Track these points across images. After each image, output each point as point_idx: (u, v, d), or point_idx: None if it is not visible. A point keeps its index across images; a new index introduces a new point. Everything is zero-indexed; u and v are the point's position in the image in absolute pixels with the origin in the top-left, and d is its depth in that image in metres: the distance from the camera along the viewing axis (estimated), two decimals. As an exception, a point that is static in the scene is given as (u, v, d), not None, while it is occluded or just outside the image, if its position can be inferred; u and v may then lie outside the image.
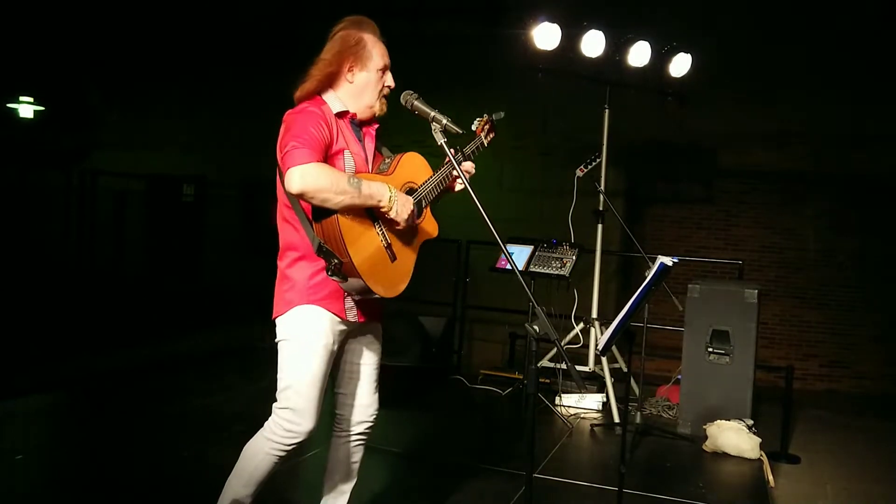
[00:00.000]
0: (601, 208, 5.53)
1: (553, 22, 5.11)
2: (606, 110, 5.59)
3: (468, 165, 2.59)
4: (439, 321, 6.00)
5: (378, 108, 2.47)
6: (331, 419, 2.62)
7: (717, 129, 7.39)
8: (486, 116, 2.69)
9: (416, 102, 2.34)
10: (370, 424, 2.62)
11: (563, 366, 5.24)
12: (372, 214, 2.30)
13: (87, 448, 3.97)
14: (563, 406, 5.23)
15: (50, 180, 9.39)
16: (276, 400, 2.37)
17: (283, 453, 2.36)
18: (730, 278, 6.82)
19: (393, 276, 2.35)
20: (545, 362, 5.44)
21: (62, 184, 9.22)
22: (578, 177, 5.17)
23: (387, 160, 2.47)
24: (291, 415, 2.32)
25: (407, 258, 2.42)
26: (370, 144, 2.48)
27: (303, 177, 2.10)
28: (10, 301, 7.17)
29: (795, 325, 7.52)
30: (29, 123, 10.18)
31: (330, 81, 2.39)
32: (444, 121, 2.31)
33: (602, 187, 5.41)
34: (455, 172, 2.51)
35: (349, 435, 2.61)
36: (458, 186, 2.58)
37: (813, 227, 7.41)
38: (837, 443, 5.05)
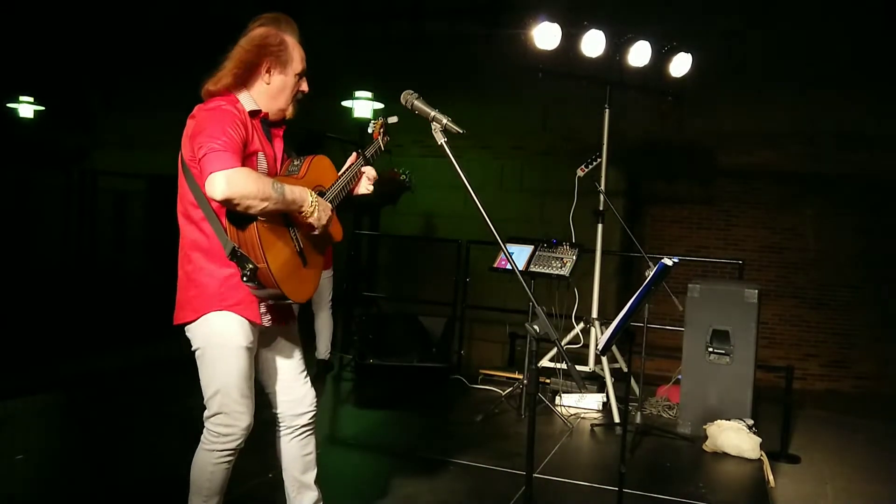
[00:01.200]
0: (601, 208, 5.52)
1: (553, 22, 5.10)
2: (606, 110, 5.59)
3: (369, 170, 2.60)
4: (439, 321, 5.99)
5: (290, 112, 2.46)
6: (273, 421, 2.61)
7: (717, 129, 7.40)
8: (380, 119, 2.69)
9: (416, 102, 2.31)
10: (312, 413, 2.59)
11: (563, 366, 5.24)
12: (287, 219, 2.28)
13: (86, 448, 3.97)
14: (563, 406, 5.23)
15: (50, 180, 9.39)
16: (205, 409, 2.34)
17: (230, 457, 2.36)
18: (730, 278, 6.82)
19: (304, 281, 2.33)
20: (545, 362, 5.44)
21: (62, 184, 9.22)
22: (579, 177, 5.17)
23: (296, 162, 2.44)
24: (225, 418, 2.32)
25: (316, 263, 2.41)
26: (279, 145, 2.46)
27: (228, 183, 2.04)
28: (11, 301, 7.17)
29: (795, 325, 7.52)
30: (29, 123, 10.18)
31: (246, 80, 2.35)
32: (445, 120, 2.27)
33: (602, 187, 5.41)
34: (363, 171, 2.57)
35: (293, 430, 2.58)
36: (361, 190, 2.61)
37: (813, 227, 7.41)
38: (837, 443, 5.04)
